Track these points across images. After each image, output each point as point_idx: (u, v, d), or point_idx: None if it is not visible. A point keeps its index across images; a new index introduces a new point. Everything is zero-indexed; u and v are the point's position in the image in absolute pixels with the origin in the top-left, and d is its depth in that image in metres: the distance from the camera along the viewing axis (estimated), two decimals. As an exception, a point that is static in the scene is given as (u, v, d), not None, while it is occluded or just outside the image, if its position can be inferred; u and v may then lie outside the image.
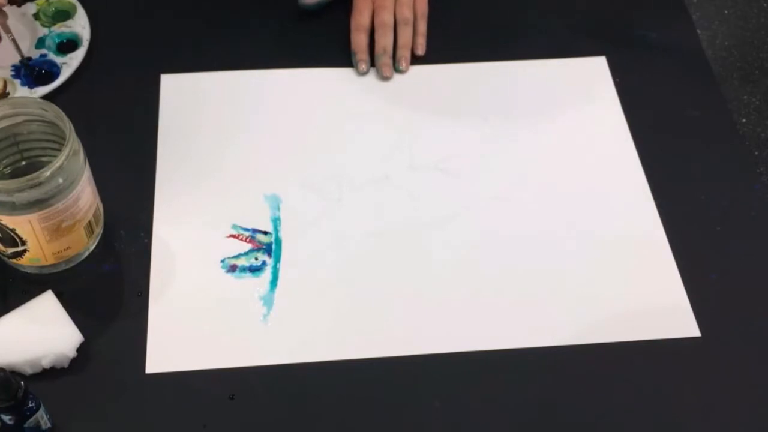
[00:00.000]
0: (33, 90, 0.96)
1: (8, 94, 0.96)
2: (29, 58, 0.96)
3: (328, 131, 0.97)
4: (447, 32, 1.06)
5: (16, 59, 0.98)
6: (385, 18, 1.02)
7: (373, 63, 1.02)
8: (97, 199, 0.85)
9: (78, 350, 0.79)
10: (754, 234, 0.91)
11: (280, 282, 0.86)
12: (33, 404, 0.71)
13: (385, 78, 1.01)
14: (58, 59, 0.98)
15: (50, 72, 0.97)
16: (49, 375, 0.78)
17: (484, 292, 0.86)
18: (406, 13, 1.02)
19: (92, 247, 0.86)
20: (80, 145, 0.79)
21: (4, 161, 0.83)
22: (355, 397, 0.79)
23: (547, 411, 0.79)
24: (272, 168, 0.93)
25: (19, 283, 0.84)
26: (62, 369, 0.79)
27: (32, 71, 0.97)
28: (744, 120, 2.01)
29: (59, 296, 0.82)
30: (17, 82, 0.96)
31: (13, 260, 0.83)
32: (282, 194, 0.92)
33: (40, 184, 0.76)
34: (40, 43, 1.00)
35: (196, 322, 0.83)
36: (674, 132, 0.99)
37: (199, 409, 0.78)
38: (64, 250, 0.83)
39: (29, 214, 0.77)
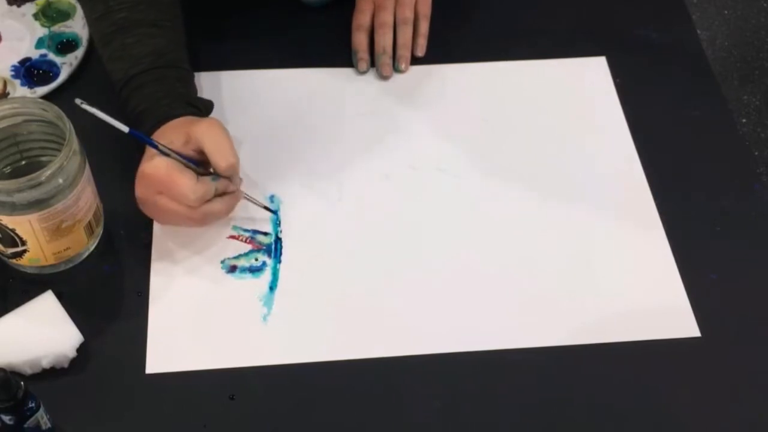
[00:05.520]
0: (33, 90, 0.96)
1: (8, 94, 0.96)
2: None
3: (328, 131, 0.97)
4: (447, 32, 1.06)
5: (16, 59, 0.98)
6: (386, 18, 1.02)
7: (373, 62, 1.02)
8: (97, 199, 0.85)
9: (78, 350, 0.79)
10: (754, 234, 0.91)
11: (280, 282, 0.86)
12: (33, 404, 0.71)
13: (384, 77, 1.01)
14: (58, 59, 0.98)
15: (50, 72, 0.97)
16: (49, 375, 0.78)
17: (484, 292, 0.86)
18: (406, 13, 1.02)
19: (92, 247, 0.86)
20: (80, 145, 0.79)
21: (4, 161, 0.83)
22: (354, 397, 0.79)
23: (547, 411, 0.79)
24: (272, 168, 0.93)
25: (19, 283, 0.84)
26: (62, 369, 0.79)
27: (32, 71, 0.97)
28: (744, 120, 2.01)
29: (59, 296, 0.82)
30: (17, 82, 0.97)
31: (13, 260, 0.83)
32: (282, 194, 0.92)
33: (40, 184, 0.76)
34: (40, 43, 1.00)
35: (196, 322, 0.83)
36: (674, 132, 0.99)
37: (199, 409, 0.78)
38: (64, 250, 0.83)
39: (29, 214, 0.77)
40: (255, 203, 0.89)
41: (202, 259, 0.87)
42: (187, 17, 0.94)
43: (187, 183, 0.79)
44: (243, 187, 0.86)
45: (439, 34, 1.04)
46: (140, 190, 0.82)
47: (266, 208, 0.89)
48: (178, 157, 0.80)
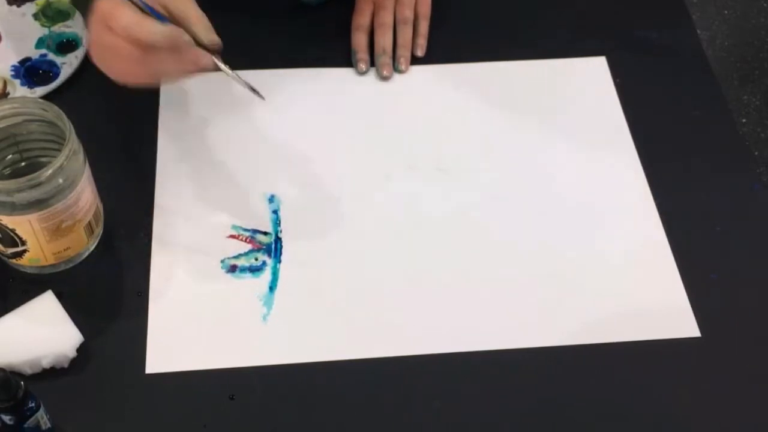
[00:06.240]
0: (33, 90, 0.96)
1: (8, 94, 0.96)
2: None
3: (328, 131, 0.97)
4: (447, 32, 1.06)
5: (16, 59, 0.98)
6: (385, 18, 1.02)
7: (373, 63, 1.02)
8: (97, 199, 0.85)
9: (78, 350, 0.79)
10: (754, 234, 0.91)
11: (280, 282, 0.86)
12: (33, 404, 0.71)
13: (384, 78, 1.01)
14: (58, 59, 0.98)
15: (50, 72, 0.97)
16: (49, 375, 0.78)
17: (484, 292, 0.86)
18: (406, 13, 1.02)
19: (92, 247, 0.86)
20: (80, 145, 0.79)
21: (4, 161, 0.83)
22: (354, 397, 0.79)
23: (547, 411, 0.79)
24: (272, 168, 0.93)
25: (19, 283, 0.84)
26: (62, 369, 0.79)
27: (32, 71, 0.97)
28: (744, 120, 2.01)
29: (59, 296, 0.82)
30: (17, 82, 0.97)
31: (13, 260, 0.83)
32: (282, 194, 0.92)
33: (40, 184, 0.76)
34: (40, 43, 1.00)
35: (196, 322, 0.83)
36: (674, 132, 0.99)
37: (199, 409, 0.78)
38: (64, 250, 0.83)
39: (29, 214, 0.77)
40: (240, 83, 0.84)
41: (202, 258, 0.87)
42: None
43: (127, 12, 0.76)
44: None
45: (439, 34, 1.05)
46: (92, 30, 0.79)
47: (252, 89, 0.84)
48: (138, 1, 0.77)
